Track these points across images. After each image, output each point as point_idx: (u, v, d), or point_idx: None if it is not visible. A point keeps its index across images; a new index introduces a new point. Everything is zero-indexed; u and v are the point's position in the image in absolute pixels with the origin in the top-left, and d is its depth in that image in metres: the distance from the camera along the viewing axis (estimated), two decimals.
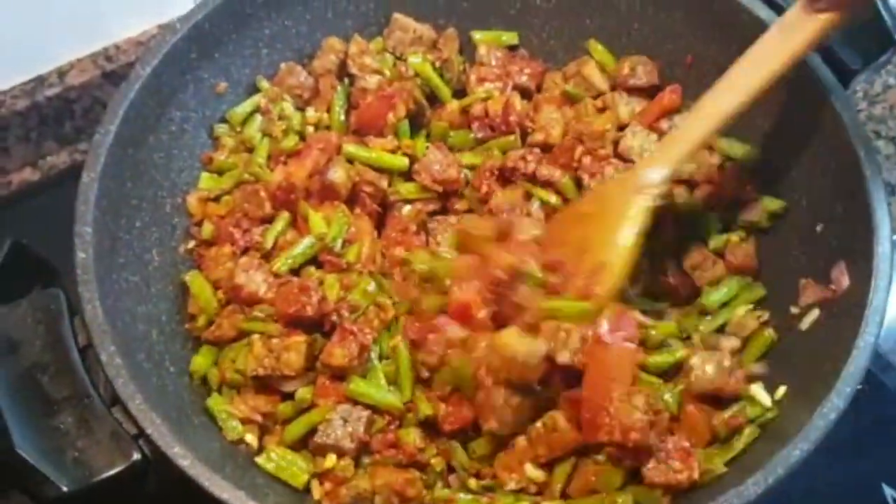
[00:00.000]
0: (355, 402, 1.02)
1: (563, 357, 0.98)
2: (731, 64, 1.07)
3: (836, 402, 0.90)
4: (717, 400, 1.02)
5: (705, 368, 1.01)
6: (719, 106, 1.04)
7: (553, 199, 1.17)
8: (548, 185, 1.18)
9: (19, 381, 0.91)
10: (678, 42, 1.21)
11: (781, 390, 1.02)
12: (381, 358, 1.06)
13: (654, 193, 1.04)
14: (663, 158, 1.06)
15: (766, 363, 1.07)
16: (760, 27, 1.07)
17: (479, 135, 1.23)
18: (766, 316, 1.10)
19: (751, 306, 1.11)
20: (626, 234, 1.04)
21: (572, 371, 0.98)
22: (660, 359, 1.04)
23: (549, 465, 1.00)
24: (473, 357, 0.99)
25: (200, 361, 1.08)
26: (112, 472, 0.86)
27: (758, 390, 1.03)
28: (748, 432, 1.00)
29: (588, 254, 1.06)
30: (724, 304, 1.11)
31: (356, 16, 1.27)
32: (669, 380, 1.04)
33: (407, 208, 1.19)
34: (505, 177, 1.20)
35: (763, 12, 1.10)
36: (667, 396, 1.00)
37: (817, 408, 0.90)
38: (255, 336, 1.05)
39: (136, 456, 0.87)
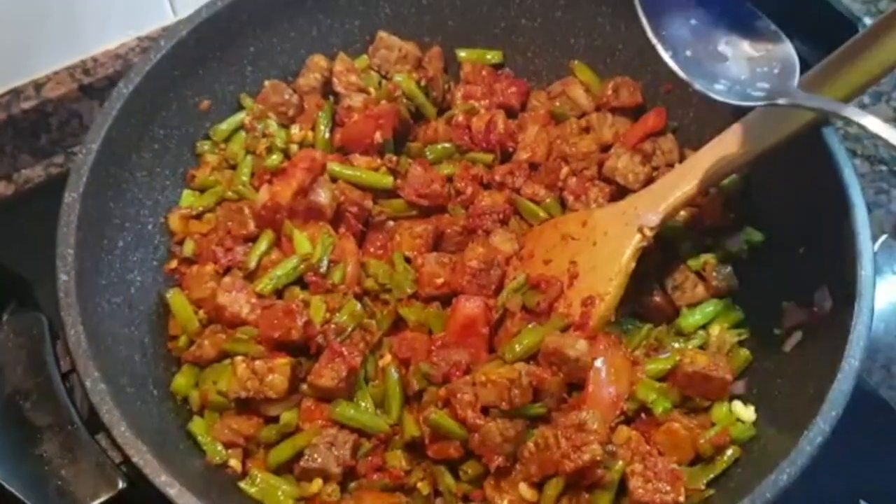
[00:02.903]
0: (341, 426, 1.01)
1: None
2: None
3: (821, 425, 0.90)
4: (702, 396, 1.04)
5: (696, 356, 1.04)
6: (722, 163, 1.02)
7: (541, 213, 1.18)
8: (532, 202, 1.19)
9: (0, 409, 0.89)
10: (662, 64, 1.21)
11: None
12: (367, 380, 1.05)
13: (649, 236, 1.05)
14: (661, 203, 1.06)
15: (746, 382, 1.08)
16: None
17: (459, 143, 1.23)
18: (745, 334, 1.10)
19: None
20: (620, 269, 1.05)
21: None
22: (658, 366, 1.05)
23: (539, 485, 1.00)
24: (460, 399, 0.98)
25: (181, 382, 1.07)
26: (97, 502, 0.85)
27: (739, 406, 1.04)
28: (731, 452, 1.00)
29: (579, 281, 1.07)
30: (703, 327, 1.12)
31: (341, 34, 1.27)
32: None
33: (390, 224, 1.19)
34: (490, 184, 1.21)
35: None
36: (652, 398, 1.02)
37: (803, 432, 0.90)
38: (239, 358, 1.03)
39: (122, 484, 0.85)
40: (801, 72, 1.02)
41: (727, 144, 1.03)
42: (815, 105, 0.88)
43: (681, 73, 0.88)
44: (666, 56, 0.89)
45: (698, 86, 0.88)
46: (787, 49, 0.91)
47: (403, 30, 1.28)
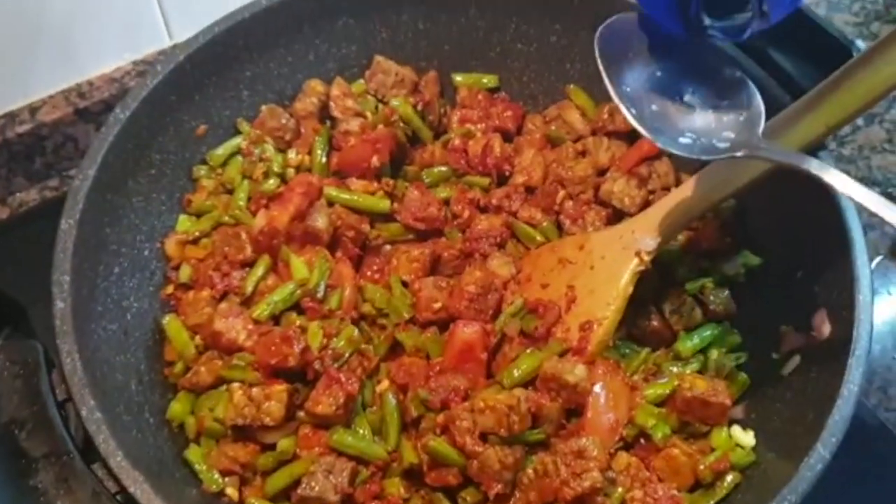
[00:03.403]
0: (339, 453, 1.01)
1: None
2: None
3: (821, 452, 0.90)
4: (701, 421, 1.04)
5: (694, 381, 1.04)
6: (718, 187, 1.02)
7: (538, 237, 1.18)
8: (529, 225, 1.19)
9: None
10: None
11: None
12: (364, 406, 1.05)
13: (646, 260, 1.05)
14: (658, 227, 1.05)
15: (745, 407, 1.07)
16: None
17: (456, 166, 1.24)
18: (743, 358, 1.10)
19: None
20: (618, 294, 1.05)
21: None
22: (657, 391, 1.05)
23: None
24: (458, 426, 0.98)
25: (177, 408, 1.06)
26: None
27: (738, 431, 1.04)
28: (731, 478, 1.00)
29: (576, 305, 1.07)
30: (701, 351, 1.11)
31: (338, 58, 1.27)
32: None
33: (387, 248, 1.19)
34: (486, 208, 1.22)
35: (743, 62, 1.10)
36: (651, 423, 1.02)
37: (804, 458, 0.90)
38: (235, 384, 1.03)
39: None
40: (795, 96, 1.04)
41: (722, 169, 1.03)
42: (776, 158, 0.87)
43: (644, 132, 0.87)
44: (629, 115, 0.87)
45: (660, 144, 0.87)
46: (754, 95, 0.90)
47: (400, 54, 1.29)
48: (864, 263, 0.99)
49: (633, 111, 0.88)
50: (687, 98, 0.91)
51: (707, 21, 0.82)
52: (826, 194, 1.03)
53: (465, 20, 1.27)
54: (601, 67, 0.89)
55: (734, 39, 0.84)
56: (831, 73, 0.98)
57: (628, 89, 0.89)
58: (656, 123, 0.88)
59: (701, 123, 0.90)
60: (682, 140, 0.88)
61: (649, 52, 0.90)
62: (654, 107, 0.89)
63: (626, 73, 0.90)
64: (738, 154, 0.87)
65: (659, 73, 0.91)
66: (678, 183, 1.20)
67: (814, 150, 1.01)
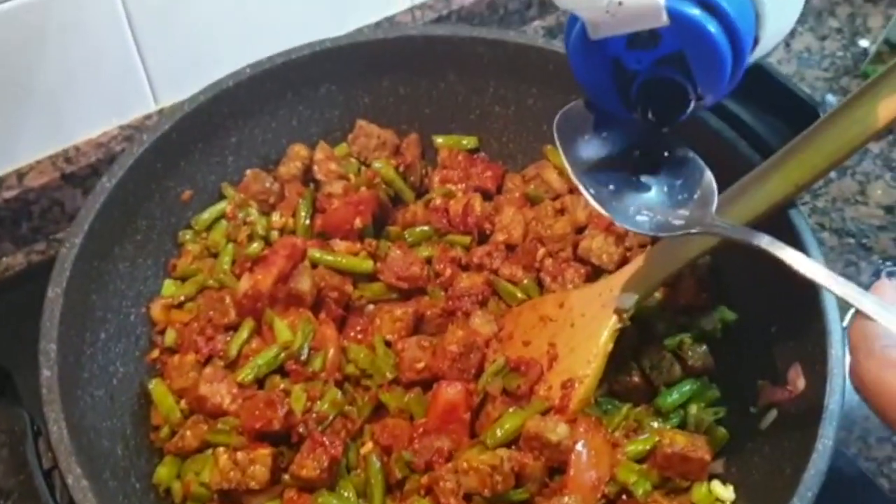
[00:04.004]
0: None
1: None
2: None
3: None
4: (682, 477, 1.05)
5: (674, 437, 1.05)
6: (693, 244, 1.04)
7: (519, 294, 1.20)
8: (511, 283, 1.21)
9: None
10: None
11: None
12: (349, 468, 1.06)
13: (625, 318, 1.07)
14: (637, 284, 1.08)
15: (724, 462, 1.09)
16: (712, 137, 1.12)
17: (437, 225, 1.26)
18: (721, 412, 1.12)
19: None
20: (598, 351, 1.07)
21: None
22: (637, 447, 1.06)
23: None
24: (442, 488, 0.99)
25: (164, 473, 1.07)
26: None
27: (718, 486, 1.06)
28: None
29: (558, 363, 1.09)
30: (681, 406, 1.13)
31: (321, 122, 1.30)
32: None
33: (370, 308, 1.21)
34: (468, 266, 1.23)
35: (714, 122, 1.14)
36: (633, 480, 1.03)
37: None
38: (220, 449, 1.03)
39: None
40: (765, 155, 1.07)
41: None
42: (728, 234, 0.90)
43: (602, 211, 0.90)
44: (587, 196, 0.90)
45: (618, 222, 0.90)
46: (706, 175, 0.93)
47: (382, 118, 1.32)
48: (835, 318, 1.01)
49: (592, 191, 0.91)
50: (644, 178, 0.94)
51: (645, 106, 0.86)
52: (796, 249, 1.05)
53: (445, 85, 1.31)
54: (560, 151, 0.92)
55: (670, 125, 0.87)
56: (799, 133, 1.01)
57: (586, 170, 0.92)
58: (614, 202, 0.91)
59: (656, 202, 0.93)
60: (639, 218, 0.91)
61: (604, 136, 0.94)
62: (611, 186, 0.92)
63: (584, 154, 0.93)
64: (693, 231, 0.91)
65: (614, 155, 0.94)
66: (655, 240, 1.22)
67: (785, 207, 1.04)
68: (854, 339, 0.64)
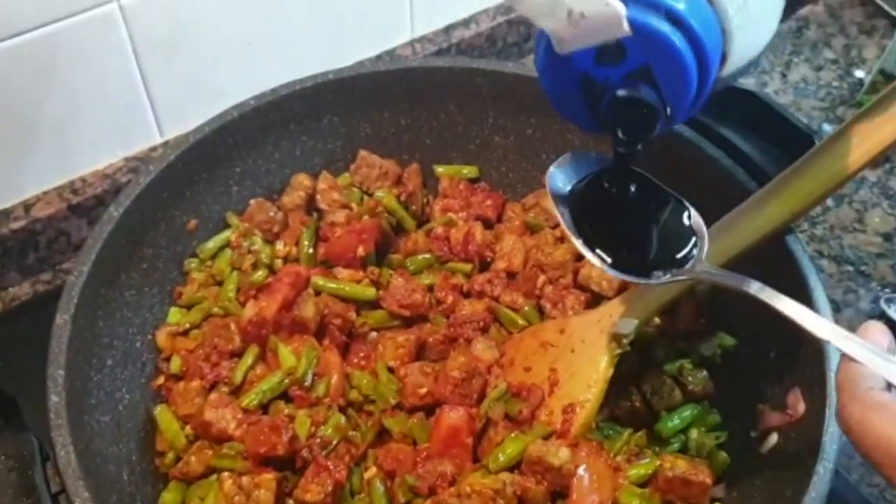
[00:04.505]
0: None
1: None
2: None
3: None
4: (683, 501, 1.05)
5: (676, 461, 1.06)
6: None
7: (520, 320, 1.21)
8: (511, 310, 1.22)
9: None
10: None
11: None
12: (352, 493, 1.06)
13: (624, 343, 1.08)
14: (635, 310, 1.09)
15: (725, 485, 1.09)
16: (709, 164, 1.14)
17: (439, 253, 1.27)
18: (723, 437, 1.12)
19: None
20: (599, 377, 1.08)
21: None
22: (639, 471, 1.07)
23: None
24: None
25: (169, 498, 1.07)
26: None
27: None
28: None
29: (559, 388, 1.10)
30: (682, 431, 1.14)
31: (324, 153, 1.32)
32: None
33: (373, 335, 1.22)
34: (469, 293, 1.25)
35: (711, 150, 1.16)
36: (635, 503, 1.04)
37: None
38: (225, 474, 1.04)
39: None
40: (761, 182, 1.09)
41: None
42: (717, 280, 0.93)
43: (593, 260, 0.93)
44: (578, 245, 0.94)
45: (609, 271, 0.93)
46: (696, 222, 0.95)
47: (383, 149, 1.34)
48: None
49: (581, 240, 0.94)
50: (632, 228, 0.97)
51: (615, 123, 0.87)
52: (794, 276, 1.07)
53: (445, 115, 1.33)
54: (551, 202, 0.96)
55: (640, 142, 0.89)
56: (795, 160, 1.03)
57: (578, 220, 0.95)
58: (606, 253, 0.94)
59: (646, 251, 0.95)
60: (657, 273, 0.93)
61: (594, 187, 0.96)
62: (603, 236, 0.94)
63: (575, 205, 0.96)
64: (681, 278, 0.93)
65: (604, 205, 0.97)
66: None
67: (782, 233, 1.06)
68: (839, 381, 0.65)
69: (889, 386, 0.63)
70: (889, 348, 0.67)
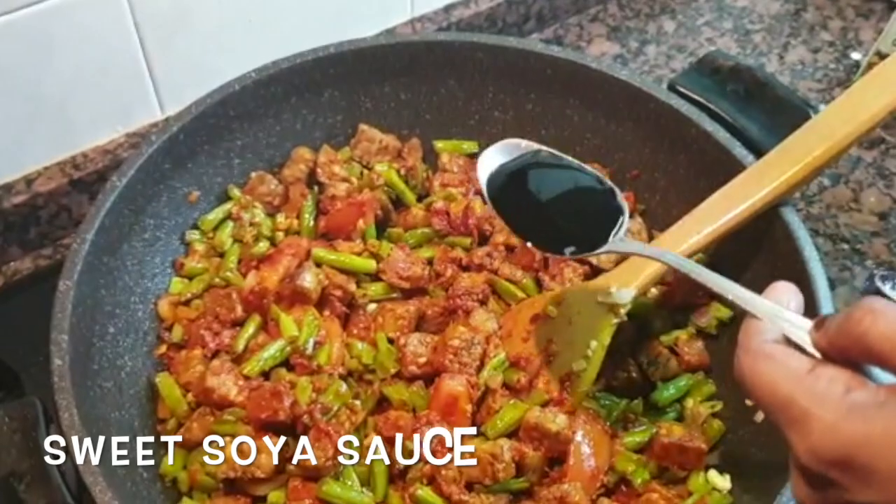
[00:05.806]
0: None
1: None
2: (679, 171, 1.14)
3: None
4: (679, 467, 1.07)
5: (671, 427, 1.08)
6: (689, 237, 1.07)
7: (518, 293, 1.22)
8: (510, 282, 1.24)
9: None
10: (629, 151, 1.29)
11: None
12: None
13: (622, 313, 1.09)
14: (633, 280, 1.10)
15: (721, 452, 1.11)
16: (707, 139, 1.15)
17: (438, 227, 1.28)
18: (718, 406, 1.14)
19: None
20: (596, 346, 1.09)
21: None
22: (635, 438, 1.09)
23: None
24: (444, 476, 1.01)
25: (170, 464, 1.08)
26: None
27: (715, 475, 1.08)
28: None
29: (556, 358, 1.11)
30: (678, 400, 1.16)
31: (324, 127, 1.33)
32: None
33: (372, 306, 1.23)
34: (468, 267, 1.26)
35: (708, 125, 1.18)
36: (631, 469, 1.05)
37: (777, 497, 0.93)
38: (227, 438, 1.05)
39: None
40: (759, 154, 1.10)
41: (692, 224, 1.09)
42: (631, 251, 1.01)
43: (535, 249, 1.02)
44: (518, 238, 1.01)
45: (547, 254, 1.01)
46: (619, 202, 1.01)
47: (383, 123, 1.35)
48: (828, 310, 1.03)
49: (522, 233, 1.02)
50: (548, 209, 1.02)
51: None
52: (791, 248, 1.08)
53: (445, 90, 1.34)
54: (490, 207, 1.03)
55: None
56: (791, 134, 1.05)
57: (517, 216, 1.02)
58: (542, 242, 1.01)
59: (577, 232, 1.00)
60: (568, 249, 0.99)
61: (524, 184, 1.03)
62: (539, 225, 1.01)
63: (512, 203, 1.02)
64: (600, 251, 0.98)
65: (536, 197, 1.02)
66: (650, 239, 1.25)
67: (783, 202, 1.08)
68: (739, 337, 0.68)
69: (787, 340, 0.65)
70: (796, 307, 0.69)
